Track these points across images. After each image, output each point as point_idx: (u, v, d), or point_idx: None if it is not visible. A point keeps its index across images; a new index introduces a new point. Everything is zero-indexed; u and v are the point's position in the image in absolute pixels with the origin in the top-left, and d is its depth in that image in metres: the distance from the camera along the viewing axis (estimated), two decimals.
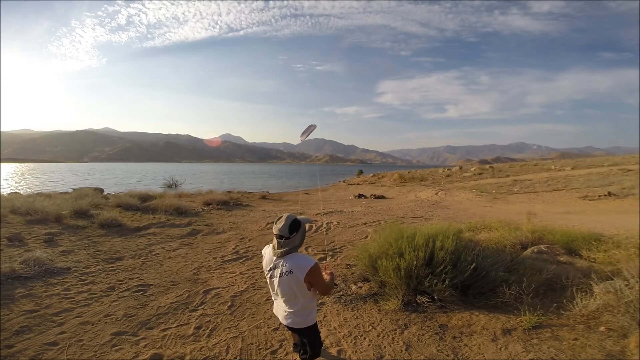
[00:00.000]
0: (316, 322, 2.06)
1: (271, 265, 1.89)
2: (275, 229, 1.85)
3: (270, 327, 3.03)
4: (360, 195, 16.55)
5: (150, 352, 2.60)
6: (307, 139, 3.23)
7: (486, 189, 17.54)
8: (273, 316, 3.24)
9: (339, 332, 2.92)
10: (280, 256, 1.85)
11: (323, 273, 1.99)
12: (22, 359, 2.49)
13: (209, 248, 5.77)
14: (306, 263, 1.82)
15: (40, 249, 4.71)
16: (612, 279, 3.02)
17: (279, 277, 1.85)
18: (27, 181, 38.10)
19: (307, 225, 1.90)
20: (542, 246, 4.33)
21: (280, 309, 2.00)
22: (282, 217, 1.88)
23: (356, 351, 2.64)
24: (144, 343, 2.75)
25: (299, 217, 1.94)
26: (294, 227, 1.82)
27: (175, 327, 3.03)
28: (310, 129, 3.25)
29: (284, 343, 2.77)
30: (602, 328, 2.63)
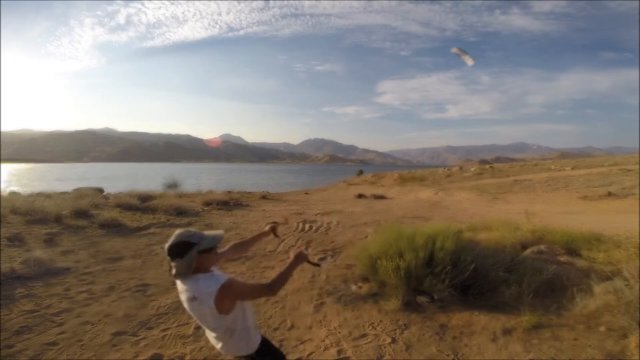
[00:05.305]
0: (262, 342, 1.62)
1: (179, 286, 1.50)
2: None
3: (270, 327, 3.04)
4: (360, 195, 16.54)
5: (150, 352, 2.61)
6: (456, 53, 3.23)
7: (486, 189, 17.53)
8: (273, 316, 3.24)
9: (339, 332, 2.93)
10: (178, 278, 1.46)
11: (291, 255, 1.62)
12: (22, 359, 2.49)
13: None
14: (211, 287, 1.41)
15: (40, 249, 4.71)
16: (612, 279, 3.03)
17: (187, 302, 1.47)
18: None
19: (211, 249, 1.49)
20: (542, 246, 4.32)
21: (209, 336, 1.60)
22: (175, 233, 1.48)
23: (356, 351, 2.64)
24: (144, 343, 2.75)
25: (205, 233, 1.50)
26: (177, 252, 1.42)
27: (175, 327, 3.03)
28: (465, 54, 3.24)
29: (283, 343, 2.78)
30: (602, 328, 2.63)
